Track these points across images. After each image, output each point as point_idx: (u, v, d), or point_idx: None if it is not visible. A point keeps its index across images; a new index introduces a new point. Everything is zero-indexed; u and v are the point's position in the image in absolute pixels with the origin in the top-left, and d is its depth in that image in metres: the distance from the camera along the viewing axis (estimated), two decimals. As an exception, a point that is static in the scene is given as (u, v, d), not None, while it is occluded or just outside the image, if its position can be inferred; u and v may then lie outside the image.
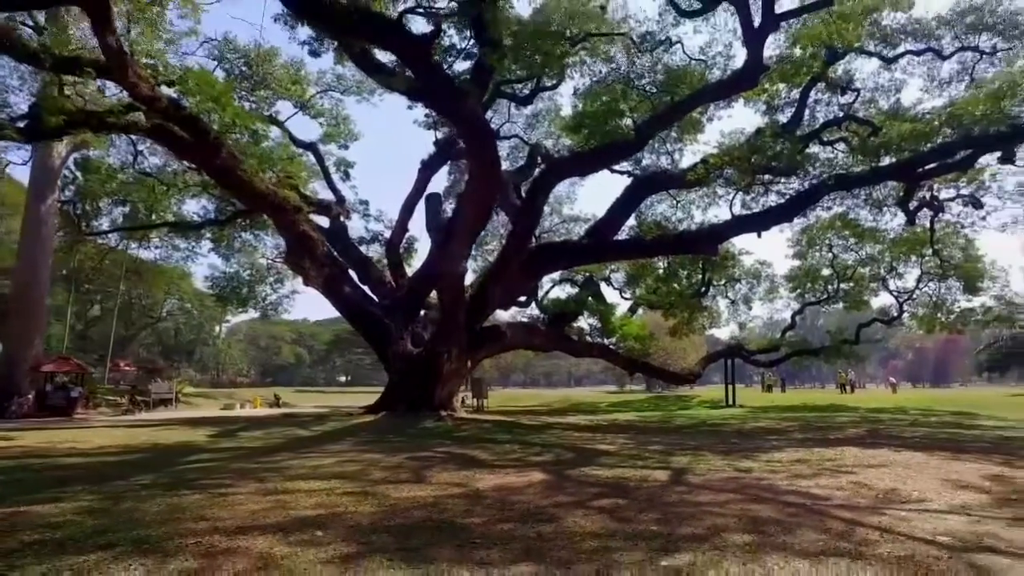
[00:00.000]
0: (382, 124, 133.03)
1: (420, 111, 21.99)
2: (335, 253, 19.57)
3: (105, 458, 8.70)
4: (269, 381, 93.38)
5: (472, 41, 11.72)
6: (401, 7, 12.66)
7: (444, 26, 11.89)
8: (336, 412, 18.92)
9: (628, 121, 16.54)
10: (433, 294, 20.28)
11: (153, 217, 27.75)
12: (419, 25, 13.29)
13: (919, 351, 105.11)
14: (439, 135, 23.75)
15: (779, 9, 15.56)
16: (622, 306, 28.88)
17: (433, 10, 11.68)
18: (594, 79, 19.25)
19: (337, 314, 23.11)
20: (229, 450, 9.68)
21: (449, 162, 25.05)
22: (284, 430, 12.89)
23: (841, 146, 20.32)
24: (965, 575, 3.45)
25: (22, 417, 19.55)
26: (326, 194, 22.75)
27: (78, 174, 28.88)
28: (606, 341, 26.21)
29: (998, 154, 16.27)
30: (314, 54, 16.61)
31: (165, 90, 14.93)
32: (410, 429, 13.07)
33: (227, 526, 4.59)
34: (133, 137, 19.71)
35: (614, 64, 19.13)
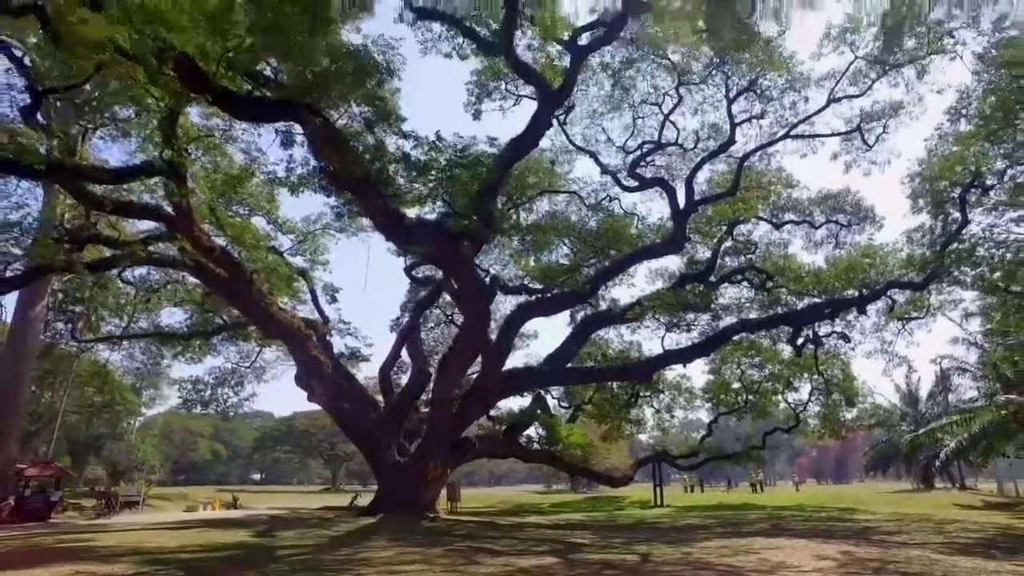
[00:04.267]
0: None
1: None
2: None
3: (210, 553, 11.14)
4: (182, 479, 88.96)
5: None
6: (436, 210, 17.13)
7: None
8: (321, 514, 20.98)
9: (582, 274, 21.08)
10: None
11: (130, 325, 29.68)
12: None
13: (822, 450, 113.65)
14: (407, 261, 27.58)
15: (697, 196, 20.87)
16: (561, 413, 32.56)
17: (461, 213, 15.70)
18: (547, 219, 24.08)
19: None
20: (297, 547, 12.17)
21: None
22: (309, 531, 15.23)
23: (746, 284, 25.73)
24: (807, 595, 7.09)
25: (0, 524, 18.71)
26: (310, 313, 25.69)
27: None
28: (551, 448, 29.61)
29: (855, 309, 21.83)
30: (339, 215, 20.35)
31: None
32: (416, 528, 15.75)
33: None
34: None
35: (568, 219, 23.98)
